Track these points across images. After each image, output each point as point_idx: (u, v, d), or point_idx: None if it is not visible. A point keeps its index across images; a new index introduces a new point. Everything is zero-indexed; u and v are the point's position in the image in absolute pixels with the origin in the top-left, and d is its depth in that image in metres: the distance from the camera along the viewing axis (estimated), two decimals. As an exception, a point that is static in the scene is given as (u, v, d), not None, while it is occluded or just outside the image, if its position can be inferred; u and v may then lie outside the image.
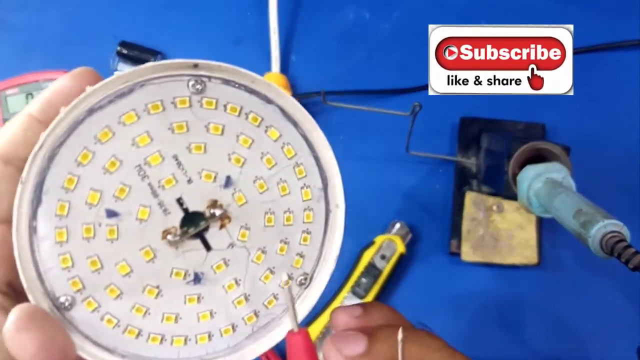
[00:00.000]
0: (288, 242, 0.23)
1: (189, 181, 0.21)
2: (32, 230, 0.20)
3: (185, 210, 0.22)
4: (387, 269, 0.55)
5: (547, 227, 0.57)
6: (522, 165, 0.45)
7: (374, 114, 0.57)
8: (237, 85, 0.21)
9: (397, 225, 0.57)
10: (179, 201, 0.22)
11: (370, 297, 0.54)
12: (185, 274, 0.23)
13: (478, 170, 0.57)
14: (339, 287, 0.54)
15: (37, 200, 0.20)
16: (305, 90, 0.61)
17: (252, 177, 0.22)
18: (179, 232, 0.22)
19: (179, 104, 0.21)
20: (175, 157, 0.21)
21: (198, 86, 0.20)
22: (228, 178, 0.22)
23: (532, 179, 0.42)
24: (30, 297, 0.21)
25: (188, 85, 0.20)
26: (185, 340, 0.23)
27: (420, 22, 0.62)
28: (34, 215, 0.20)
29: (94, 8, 0.64)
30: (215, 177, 0.22)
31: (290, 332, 0.22)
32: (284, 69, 0.62)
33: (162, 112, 0.20)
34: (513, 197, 0.46)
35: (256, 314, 0.24)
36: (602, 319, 0.56)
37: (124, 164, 0.21)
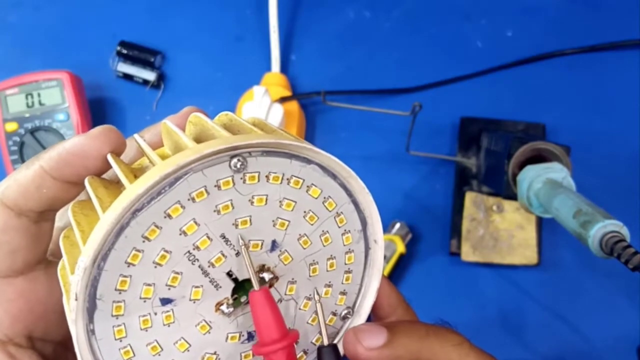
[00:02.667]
0: (331, 284, 0.24)
1: (237, 254, 0.22)
2: (90, 332, 0.21)
3: (235, 280, 0.22)
4: (387, 269, 0.55)
5: (547, 227, 0.57)
6: (522, 165, 0.45)
7: (374, 114, 0.57)
8: (277, 154, 0.21)
9: (397, 225, 0.57)
10: (229, 274, 0.22)
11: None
12: (239, 336, 0.23)
13: (478, 170, 0.57)
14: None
15: (92, 306, 0.20)
16: (305, 90, 0.61)
17: (297, 236, 0.23)
18: (231, 302, 0.22)
19: (223, 186, 0.20)
20: (223, 236, 0.21)
21: (239, 164, 0.20)
22: (274, 242, 0.22)
23: (532, 179, 0.42)
24: None
25: (230, 166, 0.20)
26: None
27: (420, 21, 0.63)
28: (90, 320, 0.20)
29: (93, 8, 0.64)
30: (261, 245, 0.22)
31: (252, 292, 0.22)
32: (284, 68, 0.62)
33: (208, 197, 0.20)
34: (513, 197, 0.46)
35: (305, 352, 0.25)
36: (602, 319, 0.56)
37: (174, 254, 0.21)
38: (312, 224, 0.23)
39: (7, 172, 0.58)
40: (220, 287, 0.22)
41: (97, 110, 0.61)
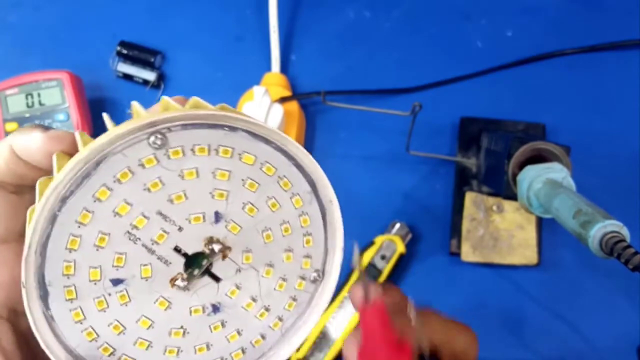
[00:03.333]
0: (292, 249, 0.24)
1: (180, 229, 0.22)
2: (50, 319, 0.21)
3: (185, 255, 0.22)
4: (387, 269, 0.55)
5: (547, 227, 0.57)
6: (522, 165, 0.45)
7: (374, 114, 0.57)
8: (197, 126, 0.21)
9: (397, 225, 0.57)
10: (177, 249, 0.22)
11: (370, 297, 0.54)
12: (203, 309, 0.23)
13: (478, 170, 0.57)
14: (338, 287, 0.54)
15: (44, 293, 0.21)
16: (305, 90, 0.61)
17: (240, 205, 0.22)
18: (185, 276, 0.22)
19: (147, 164, 0.20)
20: (160, 213, 0.21)
21: (159, 142, 0.20)
22: (217, 213, 0.22)
23: (532, 179, 0.42)
24: None
25: (149, 143, 0.20)
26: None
27: (420, 21, 0.63)
28: (46, 307, 0.21)
29: (93, 8, 0.64)
30: (204, 217, 0.22)
31: (362, 307, 0.23)
32: (284, 68, 0.62)
33: (133, 177, 0.21)
34: (513, 197, 0.46)
35: (280, 319, 0.25)
36: (602, 319, 0.56)
37: (113, 236, 0.21)
38: (253, 191, 0.22)
39: (7, 172, 0.58)
40: (171, 263, 0.22)
41: (97, 110, 0.61)
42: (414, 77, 0.61)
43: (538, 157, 0.45)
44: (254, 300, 0.24)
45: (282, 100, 0.58)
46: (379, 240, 0.56)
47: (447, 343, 0.26)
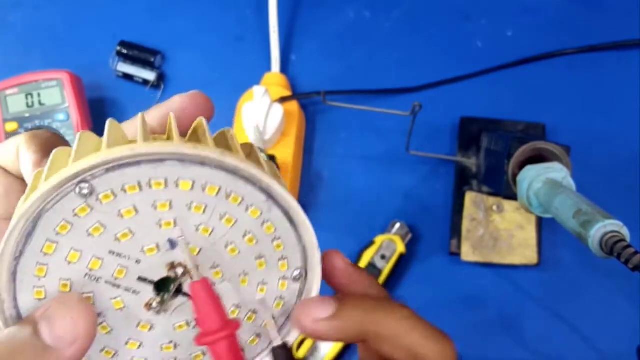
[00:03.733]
0: (263, 256, 0.23)
1: (137, 261, 0.22)
2: None
3: (152, 282, 0.23)
4: (387, 269, 0.55)
5: (547, 227, 0.57)
6: (522, 165, 0.45)
7: (374, 114, 0.57)
8: (122, 166, 0.20)
9: (397, 225, 0.57)
10: (141, 279, 0.22)
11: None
12: (187, 323, 0.24)
13: (478, 170, 0.57)
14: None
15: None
16: (305, 90, 0.61)
17: (192, 228, 0.22)
18: (157, 300, 0.23)
19: (80, 213, 0.21)
20: (112, 252, 0.22)
21: (85, 190, 0.20)
22: (170, 241, 0.22)
23: (532, 179, 0.42)
24: None
25: (77, 194, 0.20)
26: None
27: (420, 21, 0.63)
28: None
29: (93, 8, 0.64)
30: (157, 247, 0.22)
31: (192, 283, 0.22)
32: (284, 68, 0.62)
33: (73, 227, 0.21)
34: (513, 197, 0.45)
35: (273, 317, 0.25)
36: (602, 319, 0.56)
37: (74, 282, 0.22)
38: (202, 213, 0.22)
39: (7, 172, 0.58)
40: (139, 292, 0.23)
41: (97, 110, 0.61)
42: (414, 77, 0.61)
43: (538, 157, 0.45)
44: (238, 307, 0.24)
45: (282, 100, 0.58)
46: (379, 240, 0.56)
47: (415, 347, 0.23)
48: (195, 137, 0.24)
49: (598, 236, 0.34)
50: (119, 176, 0.20)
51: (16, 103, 0.58)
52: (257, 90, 0.56)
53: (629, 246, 0.32)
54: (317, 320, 0.23)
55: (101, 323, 0.23)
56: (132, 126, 0.25)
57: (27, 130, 0.58)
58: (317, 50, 0.63)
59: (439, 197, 0.59)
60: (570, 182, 0.42)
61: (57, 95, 0.58)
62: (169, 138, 0.23)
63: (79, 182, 0.20)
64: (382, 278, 0.55)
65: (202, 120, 0.24)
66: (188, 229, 0.22)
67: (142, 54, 0.61)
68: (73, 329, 0.20)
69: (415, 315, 0.24)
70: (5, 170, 0.25)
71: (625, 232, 0.34)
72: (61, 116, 0.58)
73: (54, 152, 0.23)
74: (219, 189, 0.21)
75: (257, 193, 0.22)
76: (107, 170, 0.20)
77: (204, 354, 0.25)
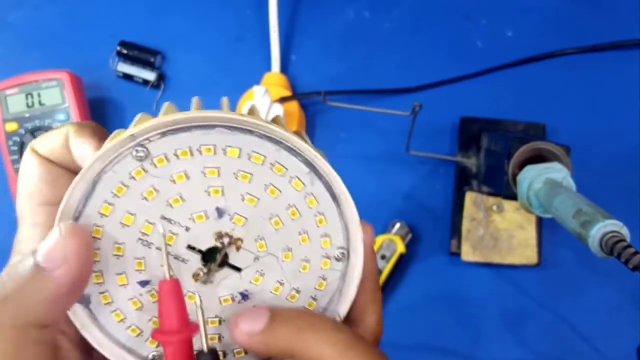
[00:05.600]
0: (306, 231, 0.24)
1: (187, 229, 0.23)
2: (95, 321, 0.24)
3: (200, 252, 0.23)
4: (387, 269, 0.55)
5: (547, 227, 0.57)
6: (522, 165, 0.45)
7: (374, 114, 0.57)
8: (174, 131, 0.22)
9: (397, 225, 0.57)
10: (190, 247, 0.23)
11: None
12: (232, 298, 0.24)
13: (478, 170, 0.57)
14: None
15: (84, 301, 0.23)
16: (305, 90, 0.61)
17: (238, 197, 0.23)
18: (204, 270, 0.24)
19: (137, 175, 0.22)
20: (163, 217, 0.23)
21: (141, 153, 0.21)
22: (218, 209, 0.23)
23: (532, 179, 0.42)
24: None
25: (134, 157, 0.22)
26: None
27: (420, 21, 0.63)
28: (90, 312, 0.23)
29: (93, 8, 0.64)
30: (206, 215, 0.23)
31: (162, 281, 0.23)
32: (284, 68, 0.62)
33: (128, 190, 0.22)
34: (513, 197, 0.46)
35: (314, 298, 0.25)
36: (602, 319, 0.56)
37: (127, 244, 0.23)
38: (248, 182, 0.23)
39: (7, 172, 0.58)
40: (188, 260, 0.23)
41: (97, 110, 0.61)
42: (414, 77, 0.61)
43: (538, 157, 0.45)
44: (280, 283, 0.25)
45: (282, 100, 0.58)
46: (379, 240, 0.56)
47: None
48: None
49: (598, 236, 0.34)
50: (172, 141, 0.22)
51: (16, 103, 0.58)
52: (257, 90, 0.56)
53: (629, 246, 0.32)
54: (246, 334, 0.23)
55: (150, 291, 0.24)
56: None
57: (26, 130, 0.58)
58: (317, 50, 0.63)
59: (439, 197, 0.59)
60: (570, 182, 0.42)
61: (57, 95, 0.58)
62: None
63: (136, 145, 0.21)
64: (382, 278, 0.55)
65: (254, 105, 0.25)
66: (234, 197, 0.23)
67: (142, 54, 0.61)
68: (62, 249, 0.21)
69: (351, 338, 0.23)
70: (50, 161, 0.25)
71: (625, 232, 0.34)
72: (61, 116, 0.58)
73: (114, 132, 0.24)
74: (265, 158, 0.22)
75: (300, 165, 0.23)
76: (162, 135, 0.21)
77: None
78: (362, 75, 0.61)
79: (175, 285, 0.22)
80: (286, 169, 0.23)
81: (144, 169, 0.22)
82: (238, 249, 0.24)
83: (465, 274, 0.57)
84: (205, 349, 0.23)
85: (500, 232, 0.56)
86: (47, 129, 0.58)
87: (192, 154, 0.22)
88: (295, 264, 0.24)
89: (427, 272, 0.57)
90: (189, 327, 0.22)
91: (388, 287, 0.57)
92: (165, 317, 0.22)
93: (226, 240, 0.23)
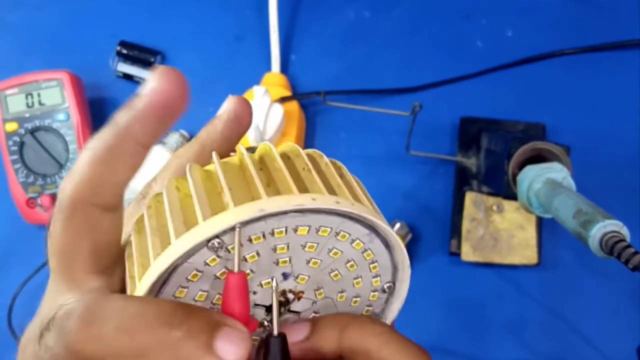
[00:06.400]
0: (360, 276, 0.26)
1: (254, 293, 0.24)
2: None
3: (265, 307, 0.25)
4: (387, 269, 0.55)
5: (547, 227, 0.57)
6: (522, 165, 0.45)
7: (374, 114, 0.57)
8: (248, 223, 0.22)
9: (397, 225, 0.57)
10: (257, 305, 0.25)
11: (370, 297, 0.54)
12: None
13: (478, 170, 0.57)
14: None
15: None
16: (305, 90, 0.61)
17: (303, 262, 0.24)
18: (268, 319, 0.25)
19: (211, 263, 0.22)
20: None
21: (217, 244, 0.22)
22: (284, 274, 0.24)
23: (532, 179, 0.42)
24: None
25: (209, 248, 0.22)
26: None
27: (420, 21, 0.63)
28: None
29: (93, 8, 0.64)
30: (272, 280, 0.24)
31: (230, 273, 0.23)
32: (284, 68, 0.62)
33: (203, 274, 0.22)
34: (513, 197, 0.46)
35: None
36: (602, 319, 0.56)
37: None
38: (313, 251, 0.24)
39: (7, 172, 0.58)
40: (254, 314, 0.25)
41: (97, 110, 0.61)
42: (414, 77, 0.61)
43: (538, 157, 0.45)
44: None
45: (282, 100, 0.58)
46: (379, 240, 0.56)
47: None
48: (295, 171, 0.24)
49: (598, 236, 0.34)
50: (247, 230, 0.22)
51: (16, 103, 0.58)
52: (257, 90, 0.56)
53: (629, 246, 0.32)
54: (294, 343, 0.24)
55: None
56: (193, 151, 0.26)
57: (27, 130, 0.58)
58: (317, 50, 0.63)
59: (439, 197, 0.59)
60: (570, 182, 0.42)
61: (57, 95, 0.58)
62: (264, 169, 0.25)
63: (211, 240, 0.22)
64: (382, 278, 0.55)
65: (296, 148, 0.25)
66: (300, 263, 0.24)
67: (142, 54, 0.61)
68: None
69: (390, 330, 0.25)
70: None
71: (625, 232, 0.34)
72: (61, 116, 0.58)
73: (168, 189, 0.23)
74: (330, 230, 0.24)
75: (362, 229, 0.24)
76: (232, 229, 0.22)
77: None
78: (362, 75, 0.61)
79: (242, 278, 0.22)
80: (349, 234, 0.24)
81: (218, 256, 0.22)
82: (299, 299, 0.25)
83: (465, 274, 0.57)
84: (275, 332, 0.23)
85: (500, 232, 0.56)
86: (47, 129, 0.58)
87: (264, 238, 0.23)
88: (348, 301, 0.26)
89: (427, 272, 0.57)
90: (251, 323, 0.22)
91: (388, 287, 0.57)
92: (228, 308, 0.22)
93: (291, 296, 0.25)
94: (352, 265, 0.25)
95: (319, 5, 0.63)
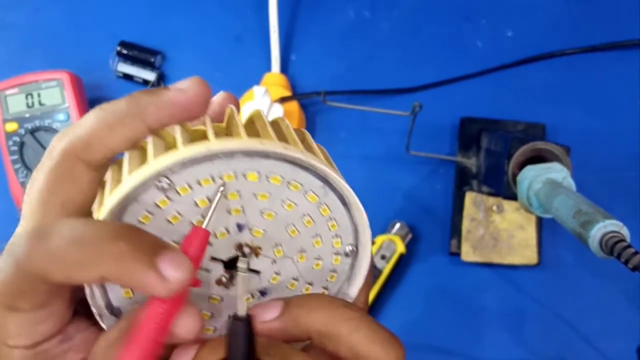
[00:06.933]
0: (319, 234, 0.25)
1: (210, 244, 0.24)
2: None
3: (223, 262, 0.25)
4: (387, 269, 0.55)
5: (547, 227, 0.57)
6: (522, 166, 0.45)
7: (374, 114, 0.57)
8: (196, 162, 0.22)
9: (397, 225, 0.57)
10: (213, 259, 0.25)
11: (370, 297, 0.54)
12: (252, 295, 0.26)
13: (478, 170, 0.57)
14: (338, 287, 0.54)
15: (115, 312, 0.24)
16: (305, 90, 0.61)
17: (257, 213, 0.24)
18: (227, 276, 0.25)
19: (161, 204, 0.23)
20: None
21: (164, 185, 0.22)
22: (238, 225, 0.24)
23: (532, 179, 0.42)
24: None
25: (157, 188, 0.22)
26: None
27: (420, 21, 0.63)
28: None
29: (93, 8, 0.64)
30: (227, 230, 0.24)
31: (195, 227, 0.23)
32: (284, 68, 0.62)
33: (154, 217, 0.23)
34: (513, 197, 0.46)
35: (325, 288, 0.27)
36: (602, 319, 0.56)
37: None
38: (267, 200, 0.24)
39: (7, 172, 0.58)
40: (211, 270, 0.25)
41: (97, 110, 0.61)
42: (414, 77, 0.61)
43: (538, 157, 0.45)
44: (295, 280, 0.26)
45: (282, 100, 0.58)
46: (379, 240, 0.56)
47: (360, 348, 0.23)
48: (254, 129, 0.25)
49: (598, 236, 0.34)
50: (195, 171, 0.22)
51: (16, 103, 0.58)
52: (257, 90, 0.56)
53: (629, 246, 0.32)
54: (263, 322, 0.24)
55: None
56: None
57: (27, 130, 0.58)
58: (317, 50, 0.63)
59: (439, 197, 0.59)
60: (570, 182, 0.42)
61: (57, 95, 0.58)
62: (228, 128, 0.26)
63: (159, 177, 0.22)
64: (382, 278, 0.55)
65: (259, 111, 0.26)
66: (254, 214, 0.24)
67: (142, 54, 0.61)
68: None
69: (361, 315, 0.24)
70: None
71: (625, 232, 0.34)
72: (61, 116, 0.58)
73: (130, 149, 0.24)
74: (282, 179, 0.24)
75: (314, 180, 0.24)
76: (184, 166, 0.22)
77: None
78: (362, 75, 0.61)
79: (205, 235, 0.23)
80: (302, 185, 0.24)
81: (168, 198, 0.23)
82: (257, 255, 0.25)
83: (465, 274, 0.57)
84: (241, 313, 0.23)
85: (500, 232, 0.56)
86: (47, 129, 0.58)
87: (214, 181, 0.23)
88: (309, 262, 0.26)
89: (427, 272, 0.57)
90: (195, 278, 0.23)
91: (388, 287, 0.57)
92: (189, 244, 0.23)
93: (247, 250, 0.25)
94: (308, 221, 0.25)
95: (319, 5, 0.63)
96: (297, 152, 0.23)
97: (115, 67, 0.62)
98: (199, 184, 0.23)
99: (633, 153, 0.58)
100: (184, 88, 0.24)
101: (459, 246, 0.56)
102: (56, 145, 0.23)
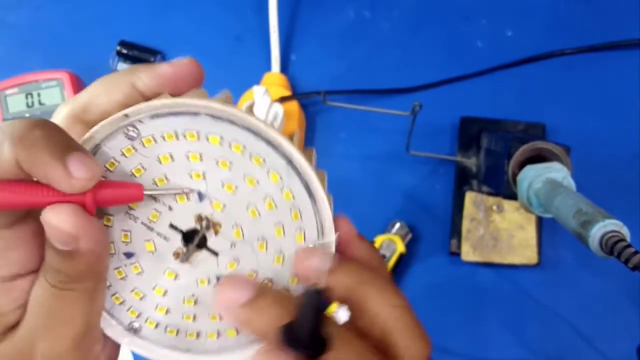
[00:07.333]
0: (282, 223, 0.25)
1: (170, 208, 0.25)
2: None
3: (181, 232, 0.25)
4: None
5: (547, 227, 0.57)
6: (522, 165, 0.45)
7: (374, 113, 0.57)
8: (162, 115, 0.24)
9: (397, 225, 0.57)
10: (172, 226, 0.25)
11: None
12: (208, 280, 0.26)
13: (478, 170, 0.57)
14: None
15: None
16: (305, 89, 0.61)
17: (218, 183, 0.24)
18: (184, 250, 0.25)
19: (127, 153, 0.24)
20: (149, 196, 0.25)
21: (132, 133, 0.24)
22: (199, 193, 0.25)
23: (532, 179, 0.42)
24: (109, 331, 0.27)
25: (125, 136, 0.24)
26: (237, 330, 0.26)
27: (420, 21, 0.63)
28: None
29: (93, 7, 0.64)
30: (187, 196, 0.25)
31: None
32: (284, 68, 0.62)
33: (119, 165, 0.24)
34: (513, 197, 0.46)
35: (287, 289, 0.26)
36: (602, 319, 0.56)
37: (116, 216, 0.25)
38: (228, 170, 0.24)
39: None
40: (169, 239, 0.25)
41: (97, 110, 0.61)
42: (414, 77, 0.61)
43: (538, 157, 0.45)
44: (255, 272, 0.26)
45: (282, 100, 0.58)
46: (379, 240, 0.56)
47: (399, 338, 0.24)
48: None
49: (598, 236, 0.34)
50: (161, 123, 0.24)
51: (16, 103, 0.58)
52: (257, 90, 0.56)
53: (629, 246, 0.32)
54: (316, 270, 0.24)
55: (133, 263, 0.26)
56: None
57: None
58: (317, 50, 0.63)
59: (439, 197, 0.59)
60: (570, 182, 0.42)
61: (57, 95, 0.58)
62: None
63: (128, 125, 0.23)
64: (382, 278, 0.55)
65: (253, 103, 0.27)
66: (215, 183, 0.25)
67: (142, 54, 0.61)
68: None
69: (405, 305, 0.24)
70: None
71: (625, 232, 0.34)
72: (61, 116, 0.58)
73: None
74: (244, 148, 0.24)
75: (278, 158, 0.24)
76: (152, 117, 0.23)
77: (221, 317, 0.26)
78: (362, 75, 0.61)
79: (141, 190, 0.24)
80: (264, 160, 0.24)
81: (133, 147, 0.24)
82: (216, 233, 0.25)
83: (465, 274, 0.57)
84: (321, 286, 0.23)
85: (500, 232, 0.56)
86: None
87: (177, 138, 0.24)
88: (269, 255, 0.25)
89: (427, 272, 0.57)
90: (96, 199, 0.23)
91: (388, 287, 0.57)
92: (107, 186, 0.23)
93: (205, 223, 0.25)
94: (270, 204, 0.25)
95: (319, 5, 0.63)
96: (259, 121, 0.23)
97: (115, 67, 0.62)
98: (163, 138, 0.24)
99: (633, 153, 0.58)
100: (176, 64, 0.26)
101: (459, 246, 0.56)
102: (61, 110, 0.26)
